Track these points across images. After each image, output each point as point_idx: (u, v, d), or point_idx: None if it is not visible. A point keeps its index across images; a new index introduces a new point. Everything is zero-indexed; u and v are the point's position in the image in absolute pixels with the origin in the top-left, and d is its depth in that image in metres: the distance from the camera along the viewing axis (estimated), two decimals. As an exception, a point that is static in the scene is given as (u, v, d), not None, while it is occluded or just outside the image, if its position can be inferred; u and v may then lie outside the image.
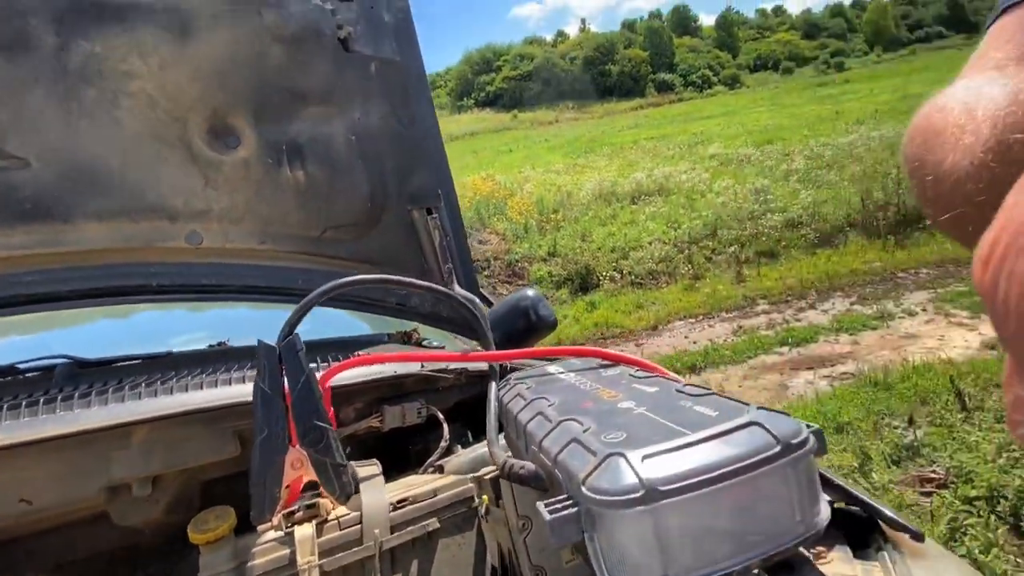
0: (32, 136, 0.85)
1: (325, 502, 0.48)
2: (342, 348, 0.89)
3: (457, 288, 1.07)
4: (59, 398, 0.63)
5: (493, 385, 0.63)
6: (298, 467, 0.49)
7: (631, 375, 0.50)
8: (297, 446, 0.50)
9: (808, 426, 0.39)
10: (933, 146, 0.41)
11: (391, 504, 0.44)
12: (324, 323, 1.10)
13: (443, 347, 1.06)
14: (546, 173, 16.36)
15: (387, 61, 1.04)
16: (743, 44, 72.70)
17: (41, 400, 0.61)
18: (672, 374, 0.53)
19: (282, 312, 1.04)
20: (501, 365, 0.83)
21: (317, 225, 1.04)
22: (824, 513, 0.37)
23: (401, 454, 0.81)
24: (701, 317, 6.66)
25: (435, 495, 0.45)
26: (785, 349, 5.21)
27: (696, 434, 0.32)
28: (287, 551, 0.43)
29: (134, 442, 0.61)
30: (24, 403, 0.61)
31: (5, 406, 0.59)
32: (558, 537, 0.31)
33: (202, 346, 1.04)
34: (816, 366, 4.78)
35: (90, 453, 0.60)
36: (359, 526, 0.45)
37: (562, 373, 0.57)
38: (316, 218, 1.03)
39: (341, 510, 0.47)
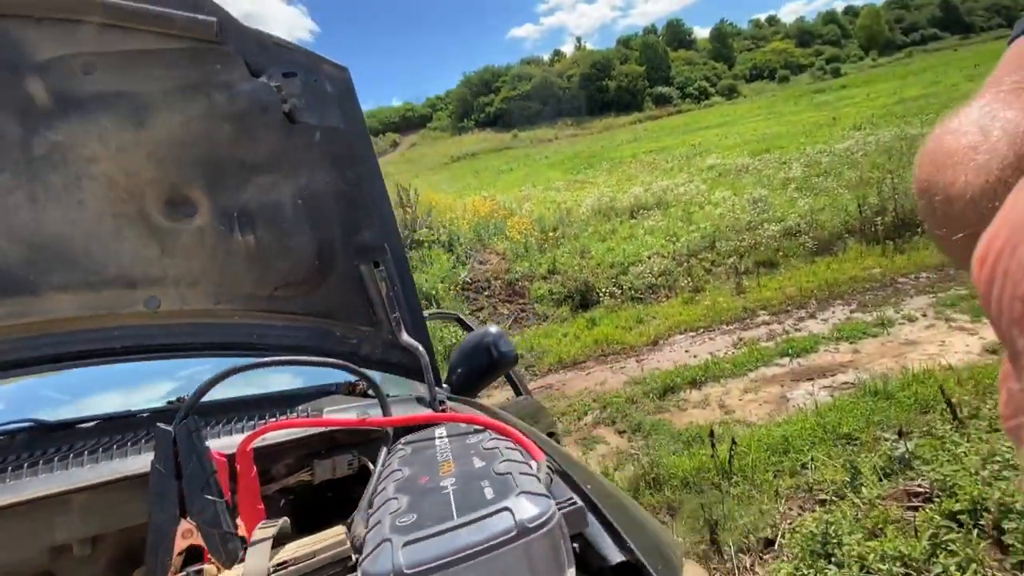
0: (0, 218, 0.94)
1: (210, 568, 0.54)
2: (286, 403, 0.96)
3: (404, 336, 1.14)
4: (10, 468, 0.69)
5: (384, 450, 0.69)
6: (188, 536, 0.55)
7: (485, 444, 0.55)
8: (187, 518, 0.56)
9: (566, 503, 0.45)
10: (944, 167, 0.41)
11: (270, 567, 0.50)
12: (283, 371, 1.17)
13: (385, 396, 1.11)
14: (546, 191, 16.54)
15: (331, 128, 1.12)
16: (738, 55, 73.37)
17: (-3, 470, 0.69)
18: (524, 439, 0.56)
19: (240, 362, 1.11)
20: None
21: (267, 284, 1.11)
22: None
23: (343, 500, 0.86)
24: (701, 330, 6.65)
25: (314, 556, 0.50)
26: (786, 360, 5.18)
27: (459, 519, 0.38)
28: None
29: (74, 507, 0.68)
30: None
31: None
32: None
33: (162, 401, 1.12)
34: (816, 376, 4.75)
35: (35, 519, 0.66)
36: None
37: (439, 438, 0.63)
38: (266, 278, 1.11)
39: (225, 574, 0.53)
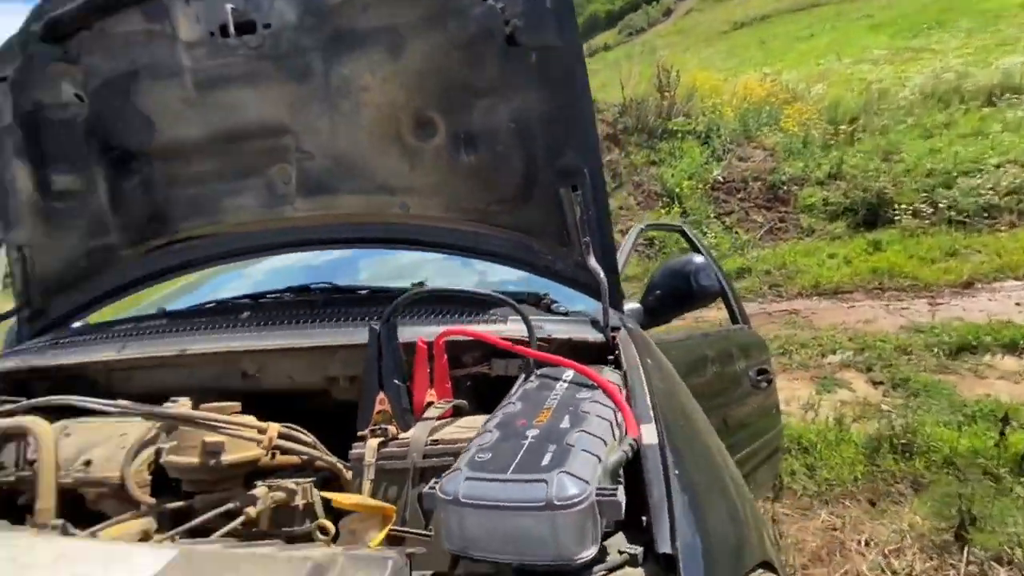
0: (314, 137, 1.30)
1: (392, 429, 0.76)
2: (484, 304, 1.15)
3: (591, 260, 1.19)
4: (315, 318, 1.08)
5: (522, 377, 0.78)
6: (382, 404, 0.78)
7: (584, 406, 0.58)
8: (383, 391, 0.79)
9: (607, 492, 0.46)
10: None
11: (428, 440, 0.68)
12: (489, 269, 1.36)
13: (564, 313, 1.21)
14: (856, 64, 12.69)
15: (546, 48, 1.14)
16: None
17: (302, 319, 1.08)
18: (628, 410, 0.58)
19: (458, 261, 1.36)
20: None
21: (484, 199, 1.27)
22: (587, 554, 0.44)
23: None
24: (1051, 279, 4.79)
25: (455, 443, 0.66)
26: None
27: (510, 475, 0.44)
28: (362, 450, 0.73)
29: (338, 355, 1.02)
30: (292, 319, 1.09)
31: (284, 319, 1.08)
32: (427, 503, 0.49)
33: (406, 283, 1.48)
34: None
35: (317, 358, 1.03)
36: (406, 448, 0.71)
37: (561, 383, 0.68)
38: (482, 194, 1.27)
39: (401, 436, 0.74)
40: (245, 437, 0.82)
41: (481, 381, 1.06)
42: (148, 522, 0.79)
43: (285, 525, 0.83)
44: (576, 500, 0.42)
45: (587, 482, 0.44)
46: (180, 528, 0.73)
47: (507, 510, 0.42)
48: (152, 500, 0.82)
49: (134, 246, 1.43)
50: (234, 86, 1.29)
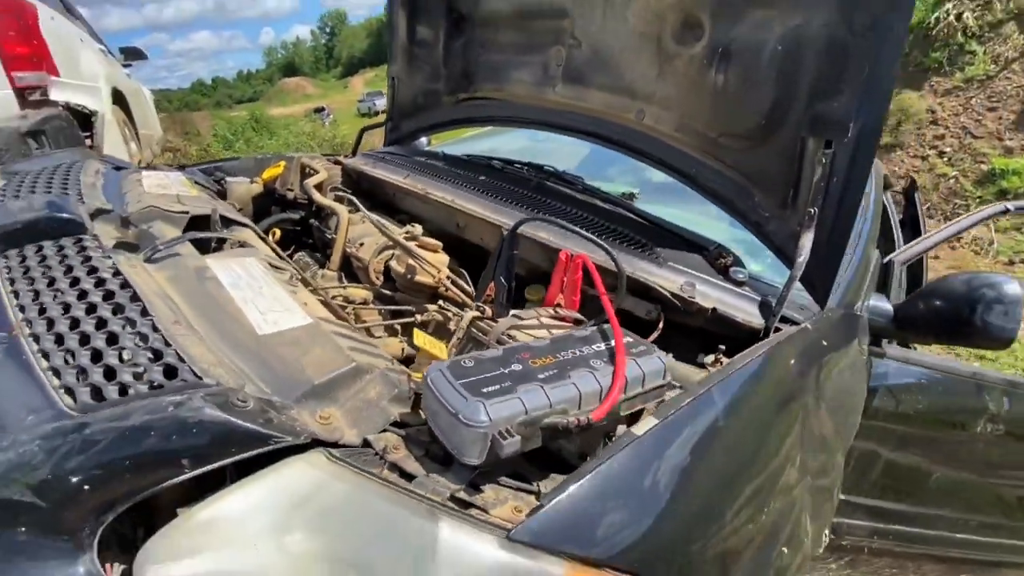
0: (586, 24, 1.32)
1: (489, 309, 0.93)
2: (646, 239, 1.12)
3: (805, 236, 0.98)
4: (516, 198, 1.26)
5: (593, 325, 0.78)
6: (490, 291, 0.93)
7: (589, 372, 0.60)
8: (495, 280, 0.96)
9: (500, 434, 0.50)
10: None
11: (506, 330, 0.83)
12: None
13: (740, 282, 1.05)
14: None
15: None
16: None
17: (507, 195, 1.28)
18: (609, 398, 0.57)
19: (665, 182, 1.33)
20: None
21: (717, 128, 1.12)
22: (474, 461, 0.54)
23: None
24: None
25: (533, 337, 0.78)
26: None
27: (461, 385, 0.55)
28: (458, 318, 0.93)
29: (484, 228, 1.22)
30: (502, 192, 1.30)
31: (498, 190, 1.30)
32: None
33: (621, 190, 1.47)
34: None
35: (498, 230, 1.23)
36: (490, 327, 0.86)
37: (601, 340, 0.68)
38: (718, 121, 1.11)
39: (493, 320, 0.90)
40: (426, 270, 1.14)
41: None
42: (368, 294, 1.23)
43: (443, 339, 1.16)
44: (474, 425, 0.53)
45: (491, 420, 0.53)
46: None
47: (442, 406, 0.57)
48: (377, 283, 1.25)
49: (451, 94, 1.82)
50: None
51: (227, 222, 1.06)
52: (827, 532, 0.92)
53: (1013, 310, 1.03)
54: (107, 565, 0.52)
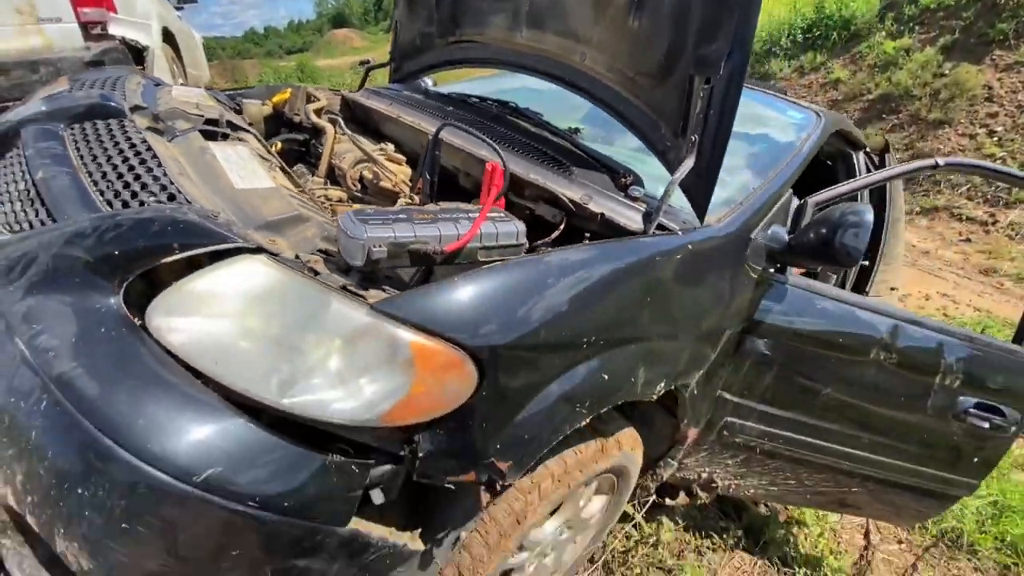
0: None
1: (418, 198, 1.22)
2: (565, 158, 1.34)
3: (685, 161, 1.19)
4: (475, 125, 1.50)
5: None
6: (420, 185, 1.21)
7: (458, 223, 0.87)
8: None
9: (372, 239, 0.77)
10: None
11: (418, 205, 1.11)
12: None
13: (635, 197, 1.27)
14: None
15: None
16: None
17: (468, 123, 1.52)
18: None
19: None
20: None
21: (632, 67, 1.32)
22: (358, 263, 0.81)
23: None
24: None
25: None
26: None
27: (356, 217, 0.83)
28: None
29: (466, 158, 1.46)
30: (464, 120, 1.54)
31: (461, 119, 1.54)
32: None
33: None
34: None
35: (456, 153, 1.48)
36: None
37: (500, 220, 0.95)
38: (634, 61, 1.31)
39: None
40: (388, 176, 1.41)
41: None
42: (343, 194, 1.52)
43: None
44: (355, 238, 0.80)
45: (367, 236, 0.81)
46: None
47: (342, 231, 0.84)
48: (353, 188, 1.53)
49: (442, 37, 2.05)
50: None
51: (233, 127, 1.36)
52: (662, 386, 1.17)
53: (862, 233, 1.22)
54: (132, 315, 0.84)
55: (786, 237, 1.42)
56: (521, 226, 0.97)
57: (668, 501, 1.85)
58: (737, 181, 1.55)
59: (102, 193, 0.90)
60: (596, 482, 1.34)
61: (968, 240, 6.44)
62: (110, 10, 2.86)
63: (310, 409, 0.79)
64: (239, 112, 1.70)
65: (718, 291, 1.29)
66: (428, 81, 2.45)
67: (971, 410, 1.70)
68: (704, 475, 1.76)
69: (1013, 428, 1.74)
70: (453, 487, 0.89)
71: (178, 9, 5.10)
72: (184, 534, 0.72)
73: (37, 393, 0.73)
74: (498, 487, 0.94)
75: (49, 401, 0.72)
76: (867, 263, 2.36)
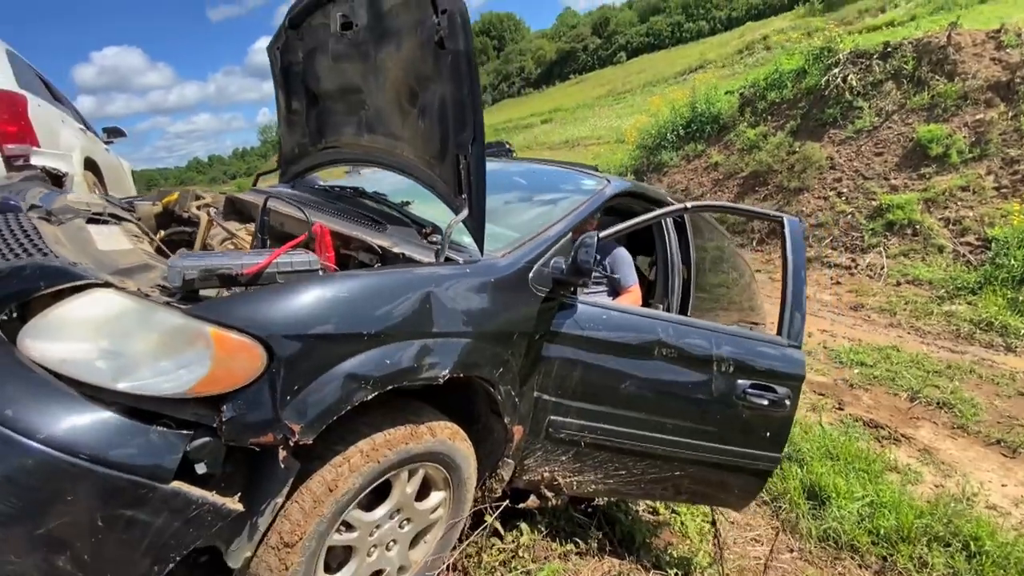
0: (369, 97, 2.08)
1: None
2: (380, 218, 1.81)
3: (463, 212, 1.66)
4: (320, 207, 1.94)
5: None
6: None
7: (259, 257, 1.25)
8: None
9: (187, 270, 1.13)
10: None
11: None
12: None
13: (433, 242, 1.72)
14: None
15: (457, 51, 1.58)
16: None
17: (318, 207, 1.97)
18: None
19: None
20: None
21: (427, 153, 1.83)
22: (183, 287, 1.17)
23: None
24: None
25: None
26: None
27: (193, 257, 1.18)
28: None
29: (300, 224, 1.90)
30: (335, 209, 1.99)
31: (320, 204, 1.99)
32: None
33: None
34: None
35: (298, 224, 1.92)
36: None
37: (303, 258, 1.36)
38: (426, 149, 1.82)
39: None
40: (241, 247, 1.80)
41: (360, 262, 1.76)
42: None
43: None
44: (174, 267, 1.18)
45: (183, 265, 1.18)
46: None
47: (168, 264, 1.22)
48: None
49: (313, 145, 2.57)
50: (344, 60, 2.16)
51: (117, 218, 1.73)
52: (447, 372, 1.52)
53: (589, 250, 1.69)
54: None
55: (564, 266, 1.88)
56: (315, 258, 1.37)
57: (520, 505, 2.11)
58: (529, 227, 2.03)
59: (-2, 256, 1.24)
60: (421, 471, 1.62)
61: (838, 283, 7.38)
62: (33, 145, 3.28)
63: (135, 389, 1.09)
64: (130, 210, 2.08)
65: (500, 303, 1.69)
66: (315, 178, 2.94)
67: (749, 391, 2.12)
68: (546, 475, 2.05)
69: (787, 402, 2.17)
70: (258, 450, 1.18)
71: (107, 143, 5.60)
72: (30, 479, 0.98)
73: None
74: (291, 445, 1.22)
75: None
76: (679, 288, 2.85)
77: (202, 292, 1.27)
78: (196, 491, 1.15)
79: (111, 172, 5.01)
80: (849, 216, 8.04)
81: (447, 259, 1.64)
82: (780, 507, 3.62)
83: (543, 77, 63.99)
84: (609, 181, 2.48)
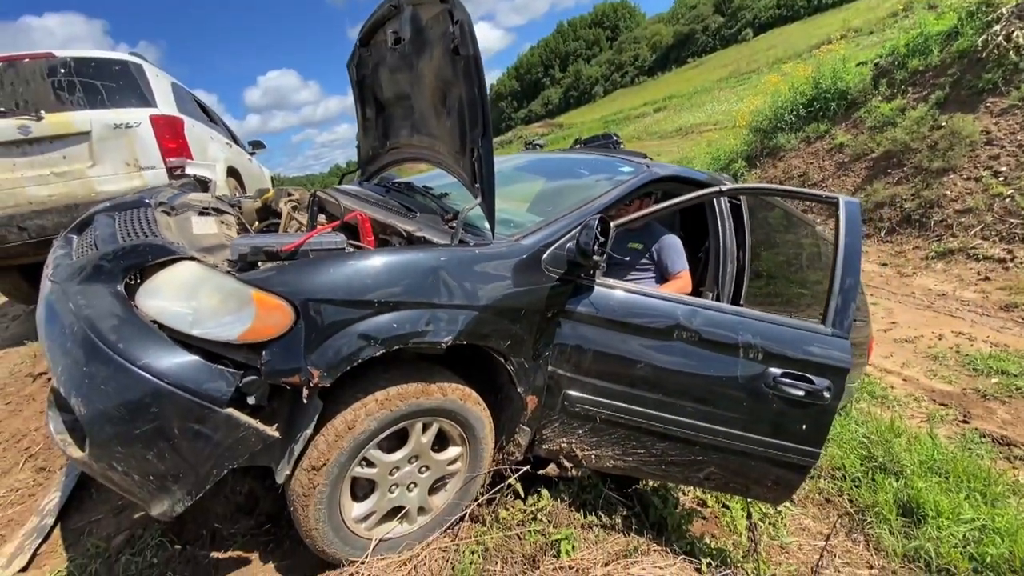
0: (416, 101, 2.37)
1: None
2: (410, 206, 2.06)
3: (479, 199, 1.86)
4: (373, 201, 2.27)
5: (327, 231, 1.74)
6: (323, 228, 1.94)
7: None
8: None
9: (239, 248, 1.46)
10: None
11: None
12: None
13: (452, 228, 1.94)
14: None
15: (468, 56, 1.78)
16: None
17: (370, 200, 2.31)
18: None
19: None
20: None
21: (454, 147, 2.04)
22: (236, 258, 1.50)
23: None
24: None
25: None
26: None
27: (242, 239, 1.53)
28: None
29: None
30: (370, 199, 2.32)
31: (370, 198, 2.32)
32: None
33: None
34: None
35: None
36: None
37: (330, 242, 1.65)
38: (453, 144, 2.05)
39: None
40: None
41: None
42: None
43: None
44: (231, 245, 1.53)
45: (237, 244, 1.52)
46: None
47: (230, 244, 1.57)
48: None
49: (383, 147, 2.94)
50: (397, 71, 2.47)
51: (219, 211, 2.22)
52: (451, 338, 1.73)
53: (590, 232, 1.80)
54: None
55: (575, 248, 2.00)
56: (342, 239, 1.67)
57: (540, 472, 2.26)
58: (553, 213, 2.17)
59: (124, 237, 1.72)
60: (436, 425, 1.86)
61: (987, 279, 6.29)
62: (188, 158, 4.12)
63: (204, 335, 1.47)
64: (236, 206, 2.61)
65: (508, 281, 1.87)
66: (395, 176, 3.34)
67: (780, 379, 2.06)
68: (564, 446, 2.18)
69: (826, 394, 2.06)
70: (298, 393, 1.51)
71: (251, 154, 6.71)
72: (129, 394, 1.39)
73: (76, 328, 1.47)
74: (312, 386, 1.52)
75: (81, 331, 1.46)
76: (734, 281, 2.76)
77: (260, 264, 1.62)
78: (244, 417, 1.51)
79: (251, 178, 6.01)
80: (1008, 199, 6.76)
81: (461, 242, 1.85)
82: (865, 520, 3.31)
83: (659, 63, 61.39)
84: (648, 167, 2.51)
